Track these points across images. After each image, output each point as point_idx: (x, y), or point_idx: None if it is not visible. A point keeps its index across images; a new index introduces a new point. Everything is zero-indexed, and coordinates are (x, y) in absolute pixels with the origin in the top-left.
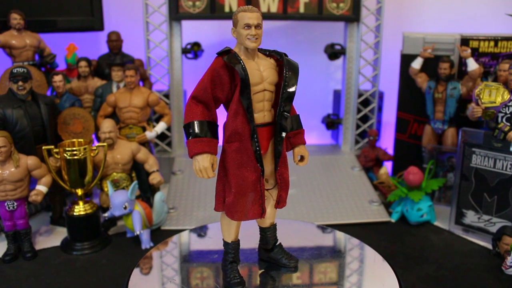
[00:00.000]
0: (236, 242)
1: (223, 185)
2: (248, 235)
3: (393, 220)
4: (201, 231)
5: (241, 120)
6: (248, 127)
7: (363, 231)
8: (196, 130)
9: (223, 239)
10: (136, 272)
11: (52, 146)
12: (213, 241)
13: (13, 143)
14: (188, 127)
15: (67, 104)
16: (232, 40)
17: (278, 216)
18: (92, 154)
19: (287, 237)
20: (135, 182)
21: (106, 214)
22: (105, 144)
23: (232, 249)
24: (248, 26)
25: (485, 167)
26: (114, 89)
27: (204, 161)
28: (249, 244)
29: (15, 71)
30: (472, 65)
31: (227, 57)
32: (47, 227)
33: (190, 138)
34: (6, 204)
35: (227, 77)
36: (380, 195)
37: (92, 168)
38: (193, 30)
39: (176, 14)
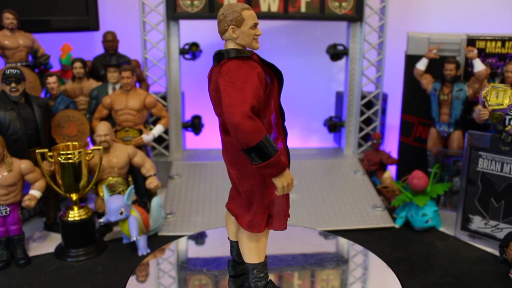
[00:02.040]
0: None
1: (267, 200)
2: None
3: (397, 226)
4: (199, 237)
5: (280, 123)
6: (283, 130)
7: (367, 237)
8: (273, 144)
9: (250, 263)
10: (132, 279)
11: (46, 150)
12: (212, 248)
13: (6, 146)
14: (267, 143)
15: (61, 106)
16: None
17: None
18: (87, 158)
19: (288, 244)
20: (132, 186)
21: (101, 220)
22: (100, 147)
23: (266, 267)
24: (255, 25)
25: (492, 171)
26: (110, 91)
27: (290, 174)
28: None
29: (8, 72)
30: (479, 66)
31: (258, 58)
32: (41, 233)
33: (275, 153)
34: None
35: (264, 81)
36: (384, 200)
37: (87, 172)
38: (191, 30)
39: (174, 13)
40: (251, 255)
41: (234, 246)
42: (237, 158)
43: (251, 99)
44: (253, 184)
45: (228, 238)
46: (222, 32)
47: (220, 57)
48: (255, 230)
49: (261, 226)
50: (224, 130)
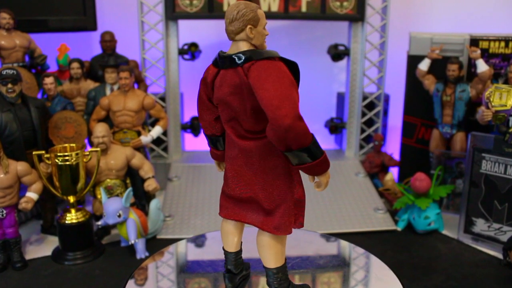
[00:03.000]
0: None
1: (294, 199)
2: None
3: (399, 229)
4: (198, 240)
5: None
6: None
7: (368, 240)
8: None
9: (275, 267)
10: (130, 283)
11: (43, 151)
12: (212, 251)
13: (2, 148)
14: (316, 142)
15: (58, 108)
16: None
17: None
18: (84, 160)
19: (289, 247)
20: (130, 189)
21: (99, 223)
22: (98, 149)
23: (287, 268)
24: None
25: (495, 173)
26: (108, 91)
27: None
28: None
29: (4, 73)
30: (482, 66)
31: (282, 59)
32: (38, 236)
33: (323, 151)
34: None
35: None
36: (385, 202)
37: (84, 174)
38: (190, 30)
39: (173, 13)
40: (277, 258)
41: (232, 258)
42: (265, 163)
43: (296, 99)
44: (283, 185)
45: (225, 251)
46: (236, 32)
47: (243, 58)
48: (285, 232)
49: (290, 227)
50: (241, 136)
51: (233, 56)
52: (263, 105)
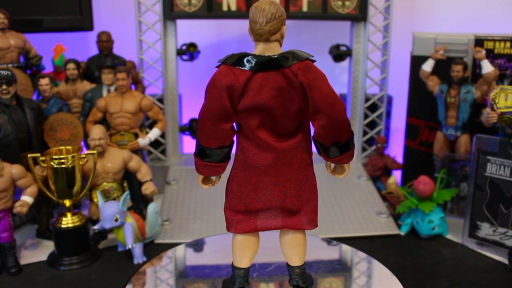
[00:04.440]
0: None
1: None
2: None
3: (402, 233)
4: (197, 245)
5: None
6: None
7: (371, 245)
8: None
9: (301, 265)
10: None
11: (38, 154)
12: (211, 256)
13: None
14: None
15: (54, 109)
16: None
17: None
18: (81, 163)
19: None
20: (127, 192)
21: (96, 227)
22: (94, 152)
23: None
24: None
25: (500, 177)
26: (105, 93)
27: None
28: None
29: None
30: (487, 67)
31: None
32: (33, 241)
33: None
34: None
35: None
36: (388, 206)
37: (81, 177)
38: (189, 30)
39: (171, 13)
40: (305, 254)
41: (244, 273)
42: (301, 159)
43: (339, 98)
44: (314, 179)
45: (236, 268)
46: (273, 32)
47: (291, 59)
48: (315, 225)
49: (317, 219)
50: (275, 140)
51: (280, 57)
52: (318, 103)
